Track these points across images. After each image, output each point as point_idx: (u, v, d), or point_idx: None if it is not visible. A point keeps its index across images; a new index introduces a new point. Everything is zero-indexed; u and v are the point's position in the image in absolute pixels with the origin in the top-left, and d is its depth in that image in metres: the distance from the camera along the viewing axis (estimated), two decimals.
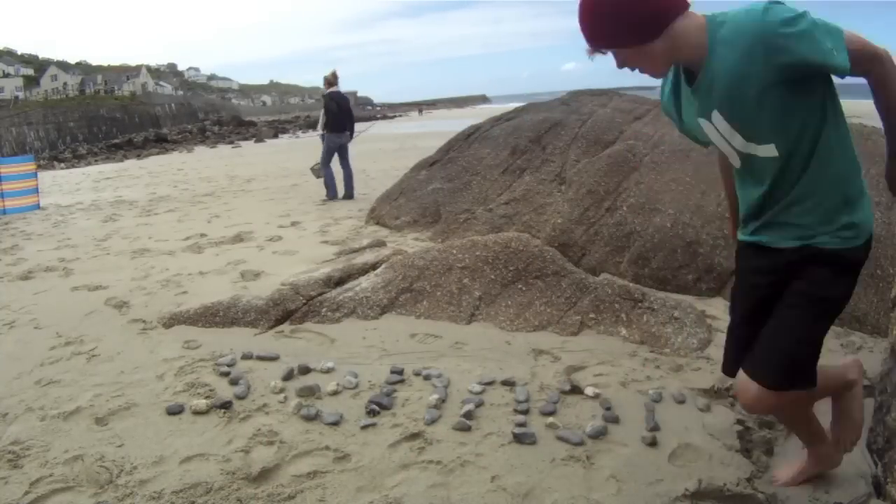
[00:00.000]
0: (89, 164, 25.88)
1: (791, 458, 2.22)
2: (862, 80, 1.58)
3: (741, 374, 1.76)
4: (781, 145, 1.60)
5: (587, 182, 5.09)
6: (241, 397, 2.70)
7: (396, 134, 28.79)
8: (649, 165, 5.05)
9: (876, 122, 1.90)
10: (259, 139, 33.88)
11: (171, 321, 3.69)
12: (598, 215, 4.80)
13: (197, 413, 2.56)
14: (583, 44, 1.60)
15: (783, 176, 1.64)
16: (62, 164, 26.60)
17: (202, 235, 6.32)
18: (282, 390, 2.76)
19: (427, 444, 2.33)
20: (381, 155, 15.96)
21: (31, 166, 9.76)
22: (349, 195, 8.63)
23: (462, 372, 2.93)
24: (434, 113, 72.90)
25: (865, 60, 1.51)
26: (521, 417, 2.51)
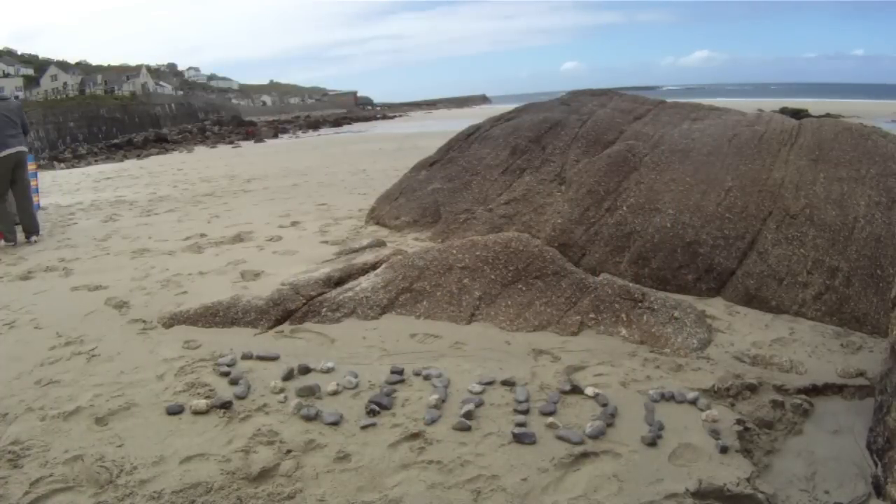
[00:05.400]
0: (89, 164, 25.86)
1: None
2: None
3: None
4: None
5: (587, 182, 5.09)
6: (241, 397, 2.70)
7: (396, 134, 28.80)
8: (649, 165, 5.05)
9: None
10: (259, 139, 33.88)
11: (171, 321, 3.69)
12: (598, 215, 4.80)
13: (197, 413, 2.56)
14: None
15: None
16: (62, 164, 26.58)
17: (202, 235, 6.32)
18: (282, 390, 2.76)
19: (427, 444, 2.33)
20: (381, 155, 15.96)
21: (31, 166, 9.74)
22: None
23: (462, 372, 2.93)
24: (434, 113, 72.83)
25: None
26: (521, 417, 2.51)
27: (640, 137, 5.58)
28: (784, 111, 21.74)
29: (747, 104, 32.19)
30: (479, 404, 2.61)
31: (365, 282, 3.95)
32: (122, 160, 26.08)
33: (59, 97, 55.92)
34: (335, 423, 2.48)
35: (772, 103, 37.54)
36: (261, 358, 3.12)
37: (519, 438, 2.35)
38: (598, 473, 2.16)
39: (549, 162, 5.76)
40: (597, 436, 2.38)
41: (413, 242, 5.43)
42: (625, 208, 4.75)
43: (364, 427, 2.46)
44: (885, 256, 3.94)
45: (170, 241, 6.11)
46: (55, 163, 27.74)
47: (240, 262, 5.00)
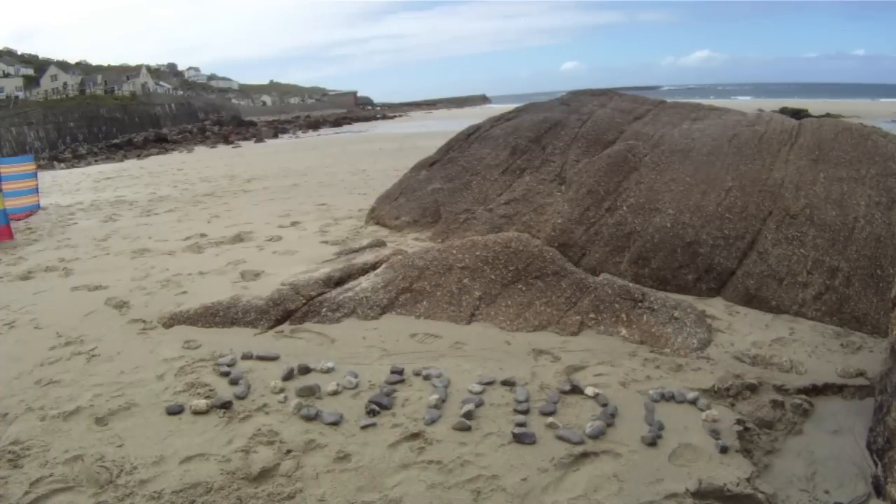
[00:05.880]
0: (89, 164, 25.84)
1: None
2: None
3: None
4: None
5: (587, 182, 5.09)
6: (241, 397, 2.70)
7: (396, 134, 28.80)
8: (649, 165, 5.05)
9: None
10: (259, 139, 33.89)
11: (171, 321, 3.69)
12: (598, 215, 4.80)
13: (197, 413, 2.56)
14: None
15: None
16: (62, 164, 26.55)
17: (202, 235, 6.32)
18: (282, 390, 2.76)
19: (427, 444, 2.33)
20: (381, 155, 15.96)
21: (31, 166, 9.74)
22: None
23: (462, 372, 2.93)
24: (434, 113, 72.85)
25: None
26: (521, 417, 2.51)
27: (640, 137, 5.58)
28: (784, 111, 21.73)
29: (747, 104, 32.15)
30: (479, 404, 2.61)
31: (365, 282, 3.95)
32: (122, 160, 26.07)
33: (59, 97, 55.90)
34: (335, 423, 2.48)
35: (772, 103, 37.52)
36: (261, 358, 3.12)
37: (519, 438, 2.35)
38: (598, 473, 2.16)
39: (549, 162, 5.76)
40: (597, 436, 2.38)
41: (413, 242, 5.43)
42: (625, 208, 4.75)
43: (364, 427, 2.46)
44: (885, 256, 3.94)
45: (170, 241, 6.11)
46: (55, 163, 27.71)
47: (240, 262, 5.00)
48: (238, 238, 6.06)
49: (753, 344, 3.40)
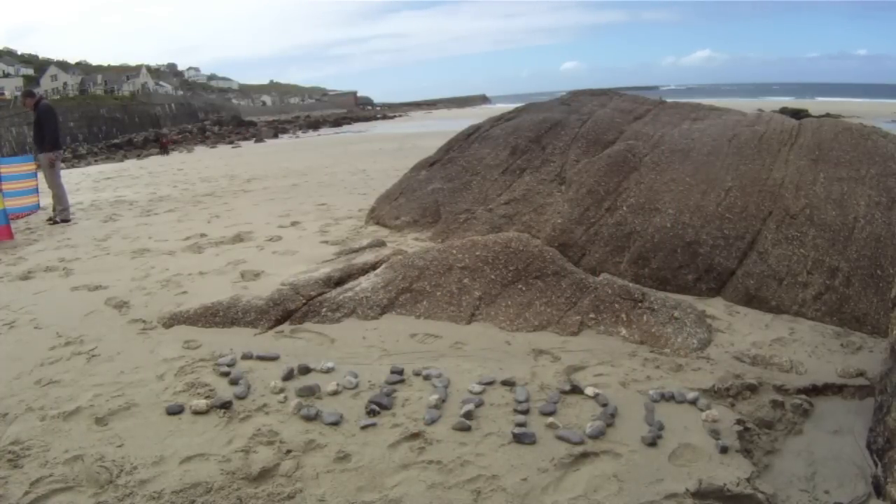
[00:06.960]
0: (89, 164, 25.84)
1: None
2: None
3: None
4: None
5: (587, 182, 5.09)
6: (241, 397, 2.70)
7: (396, 134, 28.80)
8: (649, 165, 5.05)
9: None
10: (259, 139, 33.88)
11: (171, 321, 3.69)
12: (598, 215, 4.80)
13: (197, 413, 2.56)
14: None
15: None
16: (62, 164, 26.56)
17: (202, 235, 6.32)
18: (282, 390, 2.76)
19: (427, 444, 2.33)
20: (381, 155, 15.96)
21: (31, 166, 9.75)
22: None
23: (462, 372, 2.93)
24: (434, 113, 72.84)
25: None
26: (521, 417, 2.51)
27: (640, 137, 5.58)
28: (784, 111, 21.74)
29: (748, 104, 32.17)
30: (479, 404, 2.61)
31: (365, 282, 3.95)
32: (122, 160, 26.08)
33: (59, 97, 55.90)
34: (335, 423, 2.48)
35: (773, 103, 37.52)
36: (261, 358, 3.12)
37: (519, 438, 2.35)
38: (598, 473, 2.16)
39: (549, 162, 5.76)
40: (597, 436, 2.38)
41: (413, 242, 5.43)
42: (625, 208, 4.75)
43: (364, 427, 2.46)
44: (885, 256, 3.94)
45: (170, 241, 6.11)
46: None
47: (240, 262, 5.00)
48: (238, 238, 6.06)
49: (753, 344, 3.40)
